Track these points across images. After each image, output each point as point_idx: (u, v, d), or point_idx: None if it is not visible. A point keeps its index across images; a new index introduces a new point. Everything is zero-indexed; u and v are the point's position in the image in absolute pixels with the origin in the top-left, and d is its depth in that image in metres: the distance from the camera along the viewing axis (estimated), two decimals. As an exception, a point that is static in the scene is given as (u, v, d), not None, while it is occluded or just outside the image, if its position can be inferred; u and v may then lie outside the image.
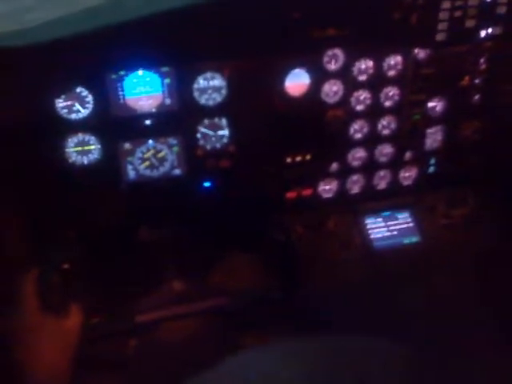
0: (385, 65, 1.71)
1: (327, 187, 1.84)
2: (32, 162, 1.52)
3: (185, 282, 1.73)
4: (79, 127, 1.56)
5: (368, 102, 1.74)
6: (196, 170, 1.69)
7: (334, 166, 1.81)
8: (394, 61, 1.71)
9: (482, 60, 1.77)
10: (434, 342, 1.54)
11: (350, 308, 1.67)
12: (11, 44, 1.18)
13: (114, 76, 1.54)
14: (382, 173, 1.87)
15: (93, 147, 1.58)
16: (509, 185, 1.86)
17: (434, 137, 1.86)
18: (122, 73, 1.54)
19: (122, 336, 1.64)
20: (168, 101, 1.60)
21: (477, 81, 1.79)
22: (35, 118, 1.50)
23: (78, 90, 1.52)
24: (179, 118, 1.62)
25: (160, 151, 1.65)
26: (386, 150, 1.83)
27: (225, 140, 1.68)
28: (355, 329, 1.49)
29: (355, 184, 1.87)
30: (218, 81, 1.61)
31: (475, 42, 1.71)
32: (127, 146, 1.62)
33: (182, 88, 1.59)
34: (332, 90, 1.69)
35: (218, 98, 1.63)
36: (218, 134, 1.67)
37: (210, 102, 1.63)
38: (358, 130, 1.77)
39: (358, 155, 1.81)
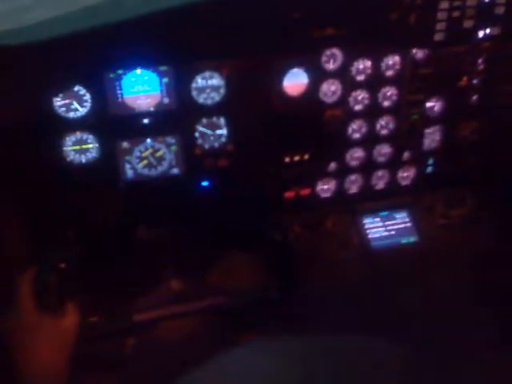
0: (383, 65, 1.71)
1: (325, 187, 1.84)
2: (30, 161, 1.51)
3: (183, 281, 1.73)
4: (77, 126, 1.55)
5: (366, 101, 1.74)
6: (194, 169, 1.69)
7: (333, 165, 1.81)
8: (392, 61, 1.71)
9: (480, 60, 1.77)
10: (432, 342, 1.54)
11: (347, 308, 1.67)
12: (9, 42, 1.18)
13: (112, 75, 1.54)
14: (380, 173, 1.87)
15: (91, 146, 1.58)
16: (507, 185, 1.86)
17: (432, 137, 1.86)
18: (120, 71, 1.54)
19: (120, 335, 1.64)
20: (166, 100, 1.59)
21: (475, 81, 1.80)
22: (33, 116, 1.49)
23: (76, 88, 1.52)
24: (177, 117, 1.62)
25: (158, 150, 1.65)
26: (384, 150, 1.84)
27: (223, 139, 1.68)
28: (353, 329, 1.49)
29: (353, 184, 1.87)
30: (216, 80, 1.61)
31: (473, 42, 1.71)
32: (125, 144, 1.62)
33: (180, 87, 1.59)
34: (330, 89, 1.69)
35: (216, 97, 1.63)
36: (216, 133, 1.67)
37: (209, 101, 1.62)
38: (356, 129, 1.77)
39: (356, 155, 1.81)
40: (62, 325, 1.27)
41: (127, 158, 1.63)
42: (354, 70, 1.69)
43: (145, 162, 1.65)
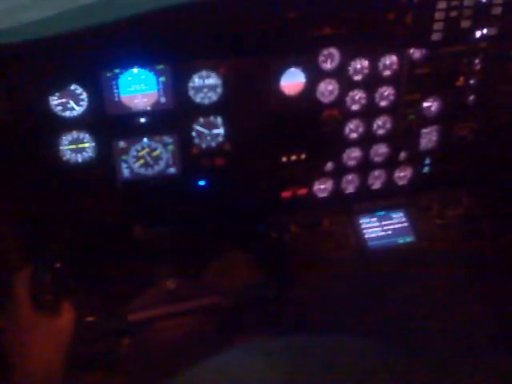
0: (380, 64, 1.71)
1: (322, 187, 1.84)
2: (26, 160, 1.51)
3: (179, 281, 1.72)
4: (73, 125, 1.55)
5: (363, 101, 1.74)
6: (191, 168, 1.69)
7: (329, 165, 1.81)
8: (390, 60, 1.71)
9: (477, 60, 1.77)
10: (427, 342, 1.55)
11: (343, 307, 1.67)
12: (6, 41, 1.17)
13: (108, 74, 1.53)
14: (376, 172, 1.88)
15: (87, 145, 1.58)
16: (503, 185, 1.87)
17: (428, 137, 1.86)
18: (116, 70, 1.53)
19: (116, 335, 1.64)
20: (163, 99, 1.59)
21: (472, 81, 1.80)
22: (29, 115, 1.49)
23: (73, 87, 1.51)
24: (174, 116, 1.62)
25: (155, 150, 1.64)
26: (381, 150, 1.84)
27: (220, 139, 1.68)
28: (348, 328, 1.49)
29: (350, 184, 1.87)
30: (213, 79, 1.60)
31: (470, 42, 1.72)
32: (122, 144, 1.61)
33: (177, 86, 1.58)
34: (327, 89, 1.69)
35: (213, 96, 1.62)
36: (213, 132, 1.66)
37: (206, 101, 1.62)
38: (353, 129, 1.78)
39: (353, 155, 1.82)
40: (58, 324, 1.26)
41: (124, 157, 1.62)
42: (351, 69, 1.69)
43: (141, 161, 1.64)
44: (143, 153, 1.64)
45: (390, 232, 1.86)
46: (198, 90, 1.60)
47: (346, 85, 1.71)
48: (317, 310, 1.69)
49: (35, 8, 1.20)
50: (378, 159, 1.85)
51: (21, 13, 1.20)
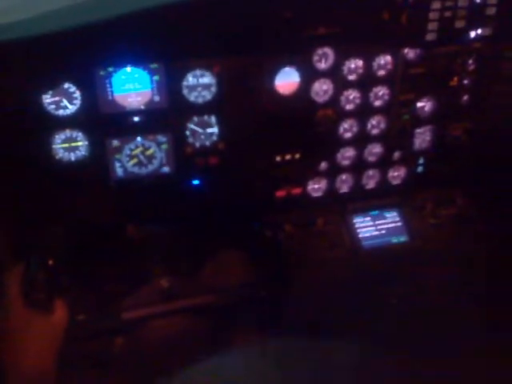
0: (374, 64, 1.71)
1: (316, 186, 1.84)
2: (19, 158, 1.50)
3: (172, 280, 1.72)
4: (67, 123, 1.54)
5: (357, 101, 1.74)
6: (185, 167, 1.69)
7: (324, 165, 1.81)
8: (384, 60, 1.71)
9: (471, 60, 1.78)
10: (421, 341, 1.55)
11: (337, 307, 1.67)
12: (-2, 39, 1.17)
13: (102, 72, 1.53)
14: (370, 172, 1.88)
15: (80, 144, 1.57)
16: (496, 185, 1.87)
17: (422, 137, 1.86)
18: (110, 69, 1.53)
19: (109, 333, 1.64)
20: (157, 98, 1.59)
21: (466, 81, 1.80)
22: (22, 113, 1.48)
23: (66, 85, 1.51)
24: (168, 115, 1.62)
25: (148, 148, 1.64)
26: (375, 150, 1.84)
27: (214, 138, 1.67)
28: (342, 328, 1.50)
29: (344, 183, 1.87)
30: (207, 78, 1.60)
31: (465, 42, 1.72)
32: (115, 142, 1.61)
33: (171, 85, 1.58)
34: (322, 88, 1.69)
35: (207, 95, 1.62)
36: (207, 131, 1.66)
37: (200, 100, 1.62)
38: (347, 129, 1.78)
39: (347, 154, 1.82)
40: (51, 322, 1.26)
41: (117, 156, 1.62)
42: (345, 69, 1.69)
43: (135, 160, 1.64)
44: (137, 152, 1.63)
45: (383, 231, 1.86)
46: (192, 88, 1.60)
47: (341, 84, 1.71)
48: (310, 309, 1.69)
49: (28, 6, 1.19)
50: (372, 159, 1.85)
51: (13, 11, 1.19)
